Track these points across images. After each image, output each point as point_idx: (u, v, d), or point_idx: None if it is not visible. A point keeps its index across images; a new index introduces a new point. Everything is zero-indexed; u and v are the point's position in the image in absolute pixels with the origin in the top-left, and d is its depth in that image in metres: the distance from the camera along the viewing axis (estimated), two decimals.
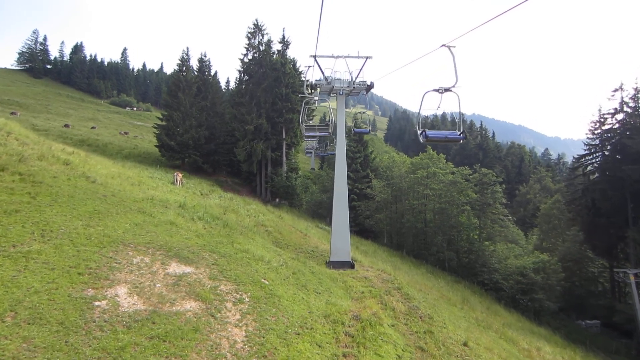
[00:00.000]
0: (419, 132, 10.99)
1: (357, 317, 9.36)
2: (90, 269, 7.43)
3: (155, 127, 40.54)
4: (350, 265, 15.01)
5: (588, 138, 35.39)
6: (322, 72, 16.47)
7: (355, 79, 16.33)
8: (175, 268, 8.62)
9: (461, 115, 11.01)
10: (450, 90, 10.26)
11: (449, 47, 9.83)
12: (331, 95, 17.35)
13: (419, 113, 11.52)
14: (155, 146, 39.60)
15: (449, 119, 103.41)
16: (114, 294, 6.95)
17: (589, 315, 28.75)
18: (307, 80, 18.11)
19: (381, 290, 12.45)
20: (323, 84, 16.31)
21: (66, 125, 51.06)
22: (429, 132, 10.86)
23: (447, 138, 11.54)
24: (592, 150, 34.82)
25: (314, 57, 16.12)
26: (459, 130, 10.83)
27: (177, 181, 22.52)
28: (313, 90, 17.31)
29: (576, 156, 37.03)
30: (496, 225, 29.76)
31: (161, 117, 40.46)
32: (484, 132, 78.58)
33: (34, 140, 18.60)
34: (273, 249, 12.78)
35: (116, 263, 7.98)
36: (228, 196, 24.83)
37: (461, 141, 11.06)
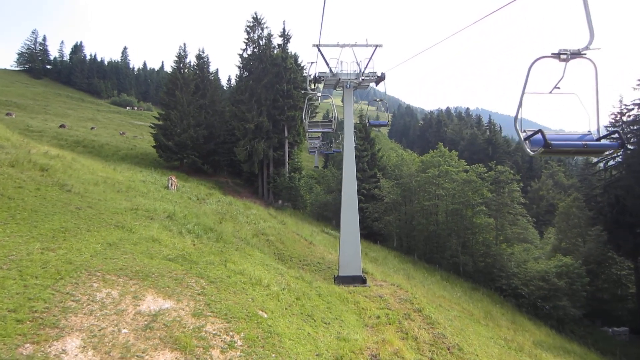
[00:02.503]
0: (522, 135, 5.76)
1: (375, 358, 7.66)
2: (35, 313, 5.76)
3: (152, 127, 38.98)
4: (361, 280, 13.33)
5: (608, 130, 33.21)
6: (327, 63, 14.73)
7: (364, 69, 14.57)
8: (150, 303, 6.94)
9: (598, 101, 5.50)
10: (581, 55, 5.30)
11: None
12: (337, 88, 15.65)
13: (519, 103, 5.58)
14: (153, 147, 38.09)
15: (454, 114, 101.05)
16: (60, 349, 5.27)
17: (615, 322, 26.90)
18: (310, 76, 16.43)
19: (399, 313, 10.76)
20: (328, 76, 14.55)
21: (62, 126, 49.77)
22: (552, 137, 5.47)
23: (587, 147, 5.49)
24: None
25: (317, 46, 14.41)
26: (597, 129, 5.68)
27: (171, 185, 20.91)
28: (317, 84, 15.51)
29: None
30: (515, 227, 27.85)
31: (158, 116, 38.88)
32: (492, 126, 76.39)
33: (14, 143, 17.04)
34: (274, 267, 11.09)
35: (73, 301, 6.30)
36: (227, 200, 23.19)
37: (608, 152, 5.96)
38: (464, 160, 32.94)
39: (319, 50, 14.44)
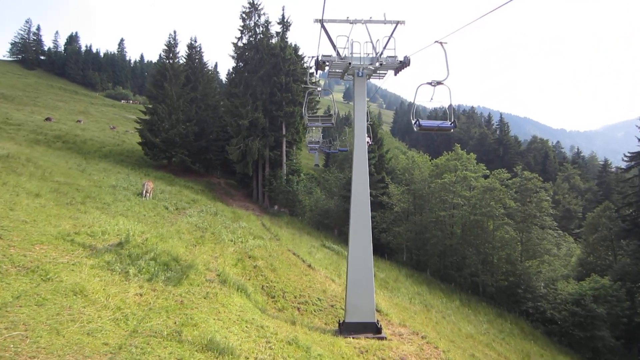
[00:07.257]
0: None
1: None
2: None
3: (137, 122, 35.72)
4: (374, 328, 10.15)
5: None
6: (333, 45, 11.41)
7: (381, 52, 11.20)
8: None
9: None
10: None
11: None
12: (344, 77, 12.40)
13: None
14: (139, 144, 34.86)
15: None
16: None
17: None
18: (311, 68, 13.12)
19: None
20: (334, 60, 11.18)
21: (48, 119, 46.65)
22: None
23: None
24: None
25: (320, 21, 11.13)
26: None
27: (145, 192, 17.67)
28: (320, 71, 12.09)
29: (628, 154, 31.68)
30: (544, 242, 24.44)
31: (144, 110, 35.59)
32: (503, 125, 72.73)
33: None
34: (257, 324, 7.85)
35: None
36: (213, 209, 19.96)
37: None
38: (483, 164, 29.49)
39: (323, 26, 11.13)
